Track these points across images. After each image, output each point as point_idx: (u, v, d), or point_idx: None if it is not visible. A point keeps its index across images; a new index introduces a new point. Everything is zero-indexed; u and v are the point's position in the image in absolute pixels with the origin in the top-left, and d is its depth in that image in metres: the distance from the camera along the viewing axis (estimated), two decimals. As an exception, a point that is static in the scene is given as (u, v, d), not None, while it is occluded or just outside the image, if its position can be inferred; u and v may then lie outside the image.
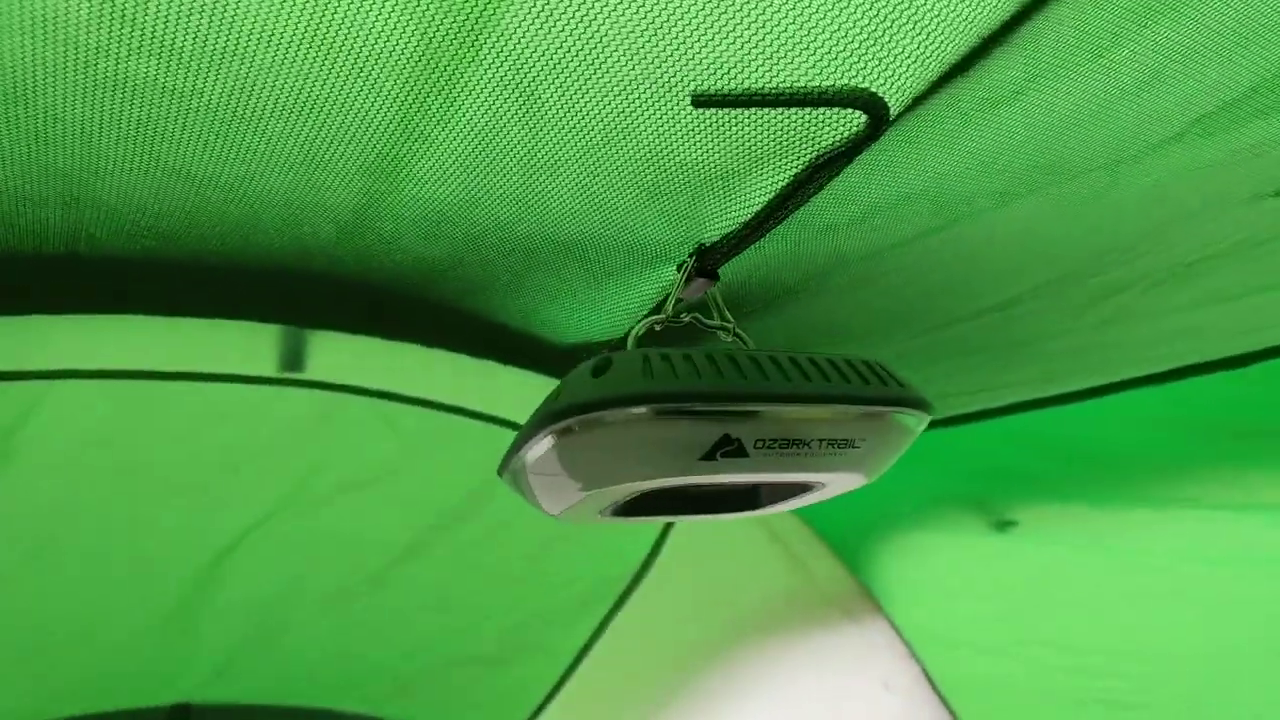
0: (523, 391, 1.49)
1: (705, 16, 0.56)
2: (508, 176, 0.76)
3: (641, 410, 0.66)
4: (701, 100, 0.62)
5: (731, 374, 0.67)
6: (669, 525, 1.64)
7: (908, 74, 0.60)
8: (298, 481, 1.43)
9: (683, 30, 0.57)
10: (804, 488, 0.79)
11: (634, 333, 0.81)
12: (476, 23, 0.58)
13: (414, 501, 1.50)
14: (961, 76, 0.63)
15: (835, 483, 0.77)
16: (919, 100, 0.63)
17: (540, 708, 1.65)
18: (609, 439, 0.67)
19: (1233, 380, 1.13)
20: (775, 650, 1.72)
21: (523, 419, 1.51)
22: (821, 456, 0.70)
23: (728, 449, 0.67)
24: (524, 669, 1.64)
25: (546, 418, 0.68)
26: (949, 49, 0.60)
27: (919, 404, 0.73)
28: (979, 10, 0.57)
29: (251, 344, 1.35)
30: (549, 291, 1.05)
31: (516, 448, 0.73)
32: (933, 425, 1.42)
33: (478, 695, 1.65)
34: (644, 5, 0.56)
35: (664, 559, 1.64)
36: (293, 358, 1.38)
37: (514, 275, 1.01)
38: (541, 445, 0.69)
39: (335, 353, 1.38)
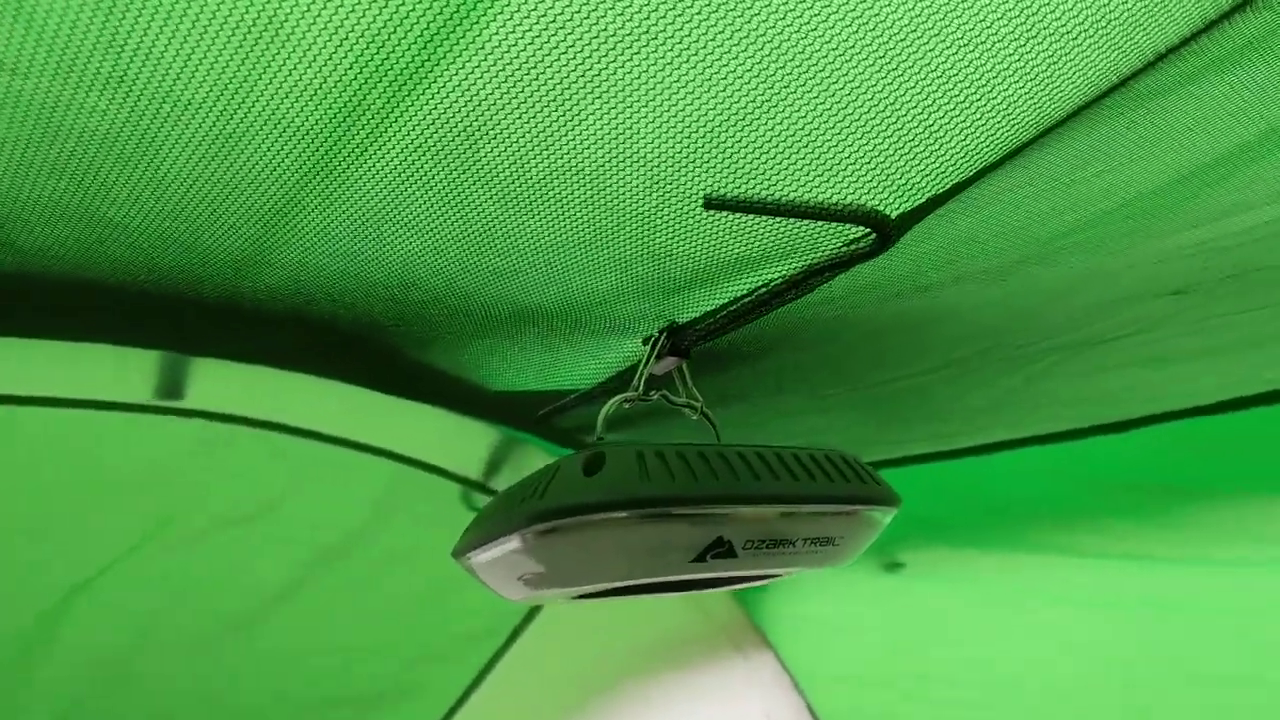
0: (423, 427, 1.44)
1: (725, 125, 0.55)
2: (452, 243, 0.73)
3: (637, 515, 0.64)
4: (714, 203, 0.61)
5: (726, 476, 0.66)
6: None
7: (918, 196, 0.61)
8: (166, 517, 1.33)
9: (700, 135, 0.56)
10: (776, 575, 0.79)
11: (605, 412, 0.79)
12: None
13: (294, 538, 1.42)
14: (956, 201, 0.65)
15: (808, 570, 0.78)
16: (918, 222, 0.64)
17: (419, 748, 1.59)
18: (601, 541, 0.65)
19: (1115, 443, 1.21)
20: (665, 684, 1.72)
21: (422, 454, 1.47)
22: (802, 553, 0.71)
23: (719, 550, 0.67)
24: (403, 710, 1.58)
25: (534, 515, 0.64)
26: (954, 177, 0.61)
27: (893, 500, 0.74)
28: (986, 145, 0.58)
29: (124, 369, 1.24)
30: (497, 350, 1.01)
31: (488, 536, 0.70)
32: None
33: (349, 738, 1.58)
34: (664, 113, 0.54)
35: (556, 596, 1.62)
36: (172, 385, 1.28)
37: (458, 333, 0.96)
38: (524, 542, 0.66)
39: (221, 381, 1.28)
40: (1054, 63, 0.54)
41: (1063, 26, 0.51)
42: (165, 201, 0.70)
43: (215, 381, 1.28)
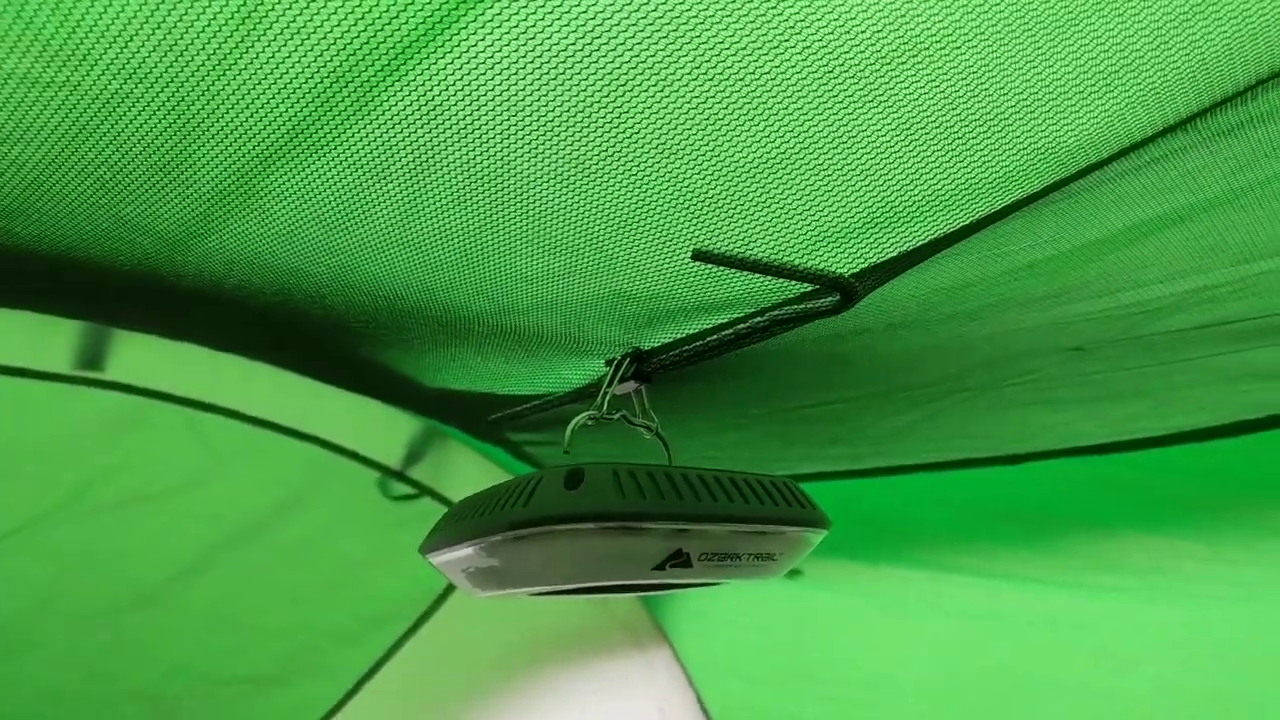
0: (346, 413, 1.45)
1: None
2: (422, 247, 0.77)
3: (612, 526, 0.70)
4: (701, 255, 0.67)
5: (689, 496, 0.72)
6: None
7: (878, 262, 0.69)
8: (75, 489, 1.31)
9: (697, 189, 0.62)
10: (712, 584, 0.86)
11: (572, 427, 0.84)
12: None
13: (207, 516, 1.41)
14: (915, 270, 0.73)
15: (741, 582, 0.85)
16: (877, 287, 0.72)
17: (315, 728, 1.61)
18: (577, 547, 0.70)
19: (1003, 474, 1.32)
20: (565, 676, 1.77)
21: (343, 440, 1.48)
22: (745, 566, 0.77)
23: (678, 561, 0.73)
24: (302, 689, 1.59)
25: (518, 522, 0.70)
26: (909, 245, 0.68)
27: (826, 524, 0.82)
28: (938, 224, 0.66)
29: (44, 337, 1.22)
30: (454, 357, 1.04)
31: (464, 536, 0.74)
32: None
33: (246, 716, 1.58)
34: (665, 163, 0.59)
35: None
36: (92, 356, 1.26)
37: (421, 336, 0.99)
38: (503, 545, 0.71)
39: (144, 356, 1.27)
40: (1006, 155, 0.62)
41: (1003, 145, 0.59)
42: (107, 174, 0.71)
43: (138, 355, 1.27)
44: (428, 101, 0.57)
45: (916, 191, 0.63)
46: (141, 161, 0.69)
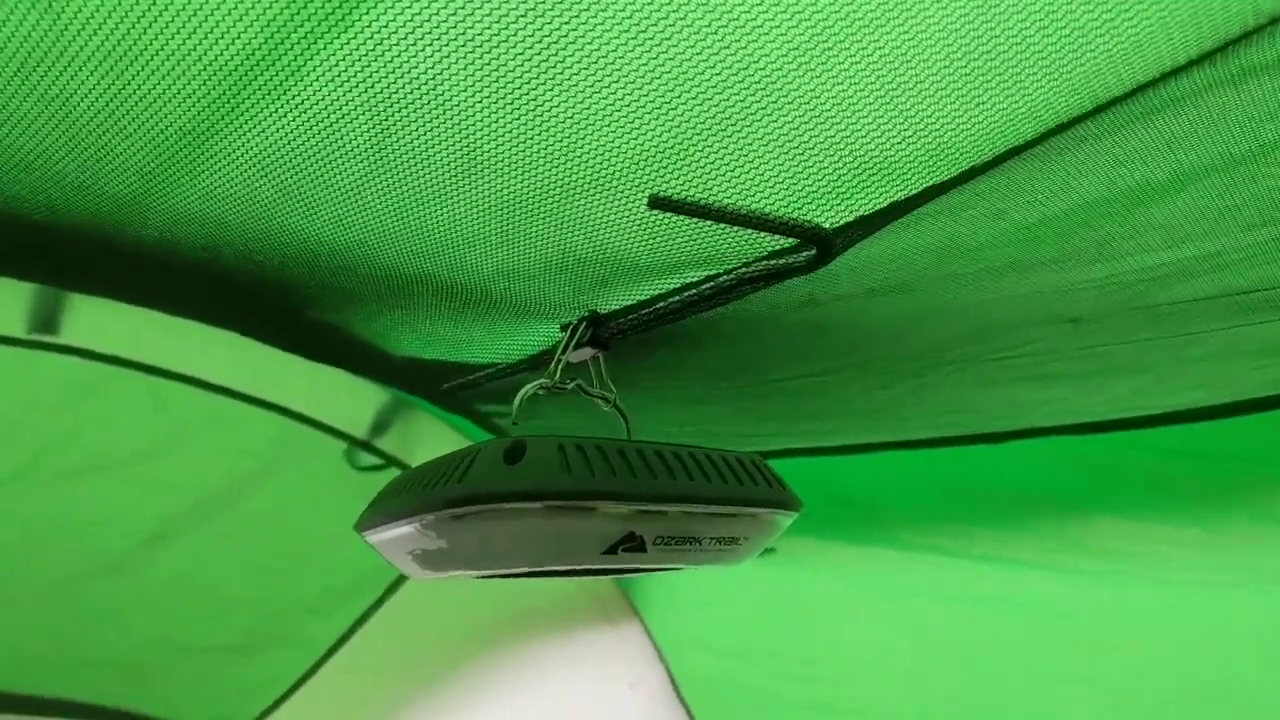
0: (312, 382, 1.41)
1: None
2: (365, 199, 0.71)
3: (555, 507, 0.64)
4: (658, 202, 0.61)
5: (643, 474, 0.67)
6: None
7: (858, 212, 0.63)
8: (34, 455, 1.28)
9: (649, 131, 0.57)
10: (677, 568, 0.81)
11: (520, 397, 0.79)
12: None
13: (171, 485, 1.38)
14: (891, 222, 0.67)
15: (708, 567, 0.80)
16: (857, 241, 0.66)
17: (284, 697, 1.58)
18: (515, 529, 0.65)
19: (986, 453, 1.28)
20: (534, 648, 1.74)
21: (309, 410, 1.43)
22: (707, 551, 0.72)
23: (630, 545, 0.68)
24: (270, 659, 1.56)
25: (451, 500, 0.64)
26: (892, 197, 0.63)
27: (796, 505, 0.77)
28: (924, 172, 0.61)
29: (-7, 299, 1.18)
30: (407, 321, 0.99)
31: (397, 514, 0.69)
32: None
33: (214, 684, 1.55)
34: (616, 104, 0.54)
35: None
36: (46, 319, 1.21)
37: (368, 298, 0.94)
38: (437, 524, 0.66)
39: (102, 320, 1.23)
40: (989, 107, 0.57)
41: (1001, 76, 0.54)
42: (54, 129, 0.67)
43: (94, 319, 1.23)
44: (369, 51, 0.53)
45: (903, 142, 0.58)
46: (77, 121, 0.65)
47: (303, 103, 0.60)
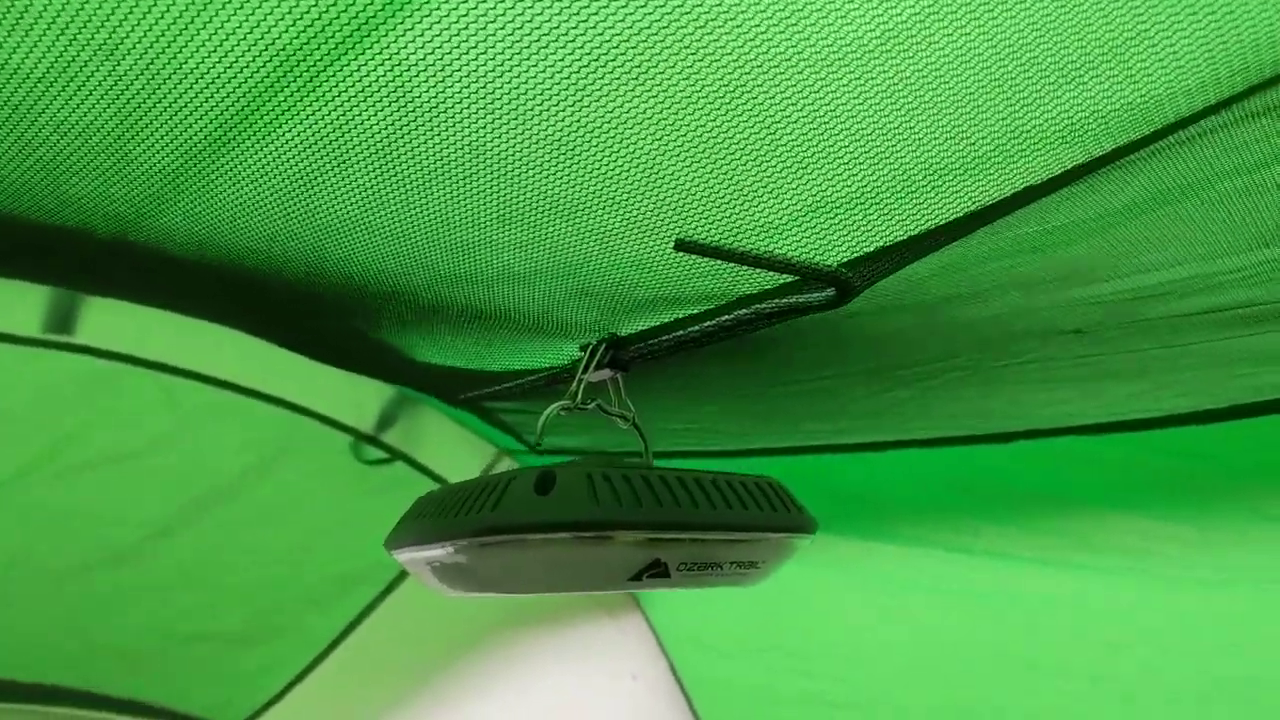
0: (318, 377, 1.42)
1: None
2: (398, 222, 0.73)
3: (585, 536, 0.67)
4: (684, 246, 0.63)
5: (668, 502, 0.69)
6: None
7: (876, 253, 0.65)
8: (48, 450, 1.29)
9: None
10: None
11: (544, 420, 0.81)
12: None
13: (177, 478, 1.39)
14: (908, 257, 0.69)
15: (722, 589, 0.82)
16: (875, 281, 0.69)
17: (287, 688, 1.60)
18: (547, 556, 0.67)
19: (992, 452, 1.30)
20: (537, 641, 1.76)
21: (315, 404, 1.45)
22: (727, 574, 0.75)
23: (655, 571, 0.70)
24: (272, 649, 1.58)
25: (486, 528, 0.67)
26: (910, 232, 0.65)
27: (813, 527, 0.79)
28: (941, 210, 0.63)
29: (13, 301, 1.19)
30: (432, 334, 1.00)
31: (430, 537, 0.71)
32: (718, 456, 1.53)
33: (213, 674, 1.57)
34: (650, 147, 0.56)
35: (440, 550, 1.63)
36: (62, 319, 1.23)
37: (396, 315, 0.95)
38: (469, 550, 0.68)
39: (114, 320, 1.24)
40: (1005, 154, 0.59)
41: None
42: (46, 155, 0.68)
43: (107, 319, 1.24)
44: (391, 73, 0.54)
45: (915, 167, 0.60)
46: (83, 144, 0.66)
47: (327, 114, 0.60)
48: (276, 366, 1.37)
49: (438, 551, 0.70)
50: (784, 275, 0.65)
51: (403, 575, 1.62)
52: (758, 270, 0.65)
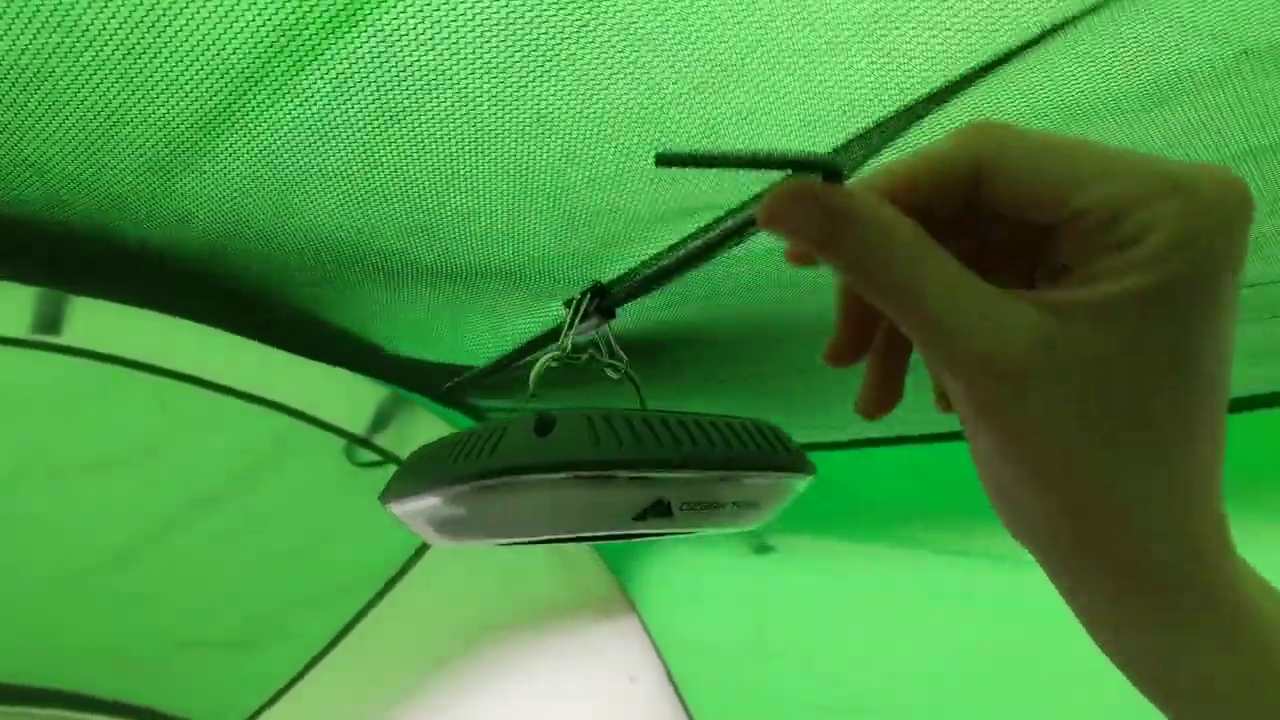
0: (310, 380, 1.42)
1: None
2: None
3: (588, 476, 0.66)
4: (665, 159, 0.63)
5: (669, 442, 0.69)
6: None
7: (867, 132, 0.64)
8: (36, 453, 1.29)
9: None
10: (691, 533, 0.83)
11: (536, 370, 0.80)
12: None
13: (169, 482, 1.39)
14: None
15: (722, 531, 0.82)
16: (868, 160, 0.67)
17: (281, 691, 1.60)
18: (548, 498, 0.67)
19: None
20: (532, 643, 1.76)
21: (307, 407, 1.45)
22: (728, 515, 0.75)
23: (658, 510, 0.70)
24: (269, 653, 1.58)
25: (488, 471, 0.66)
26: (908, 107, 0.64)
27: (812, 469, 0.79)
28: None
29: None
30: (408, 319, 1.00)
31: (428, 485, 0.71)
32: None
33: (209, 678, 1.57)
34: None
35: (435, 552, 1.63)
36: (49, 320, 1.23)
37: (367, 292, 0.95)
38: (471, 494, 0.68)
39: (102, 321, 1.24)
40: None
41: None
42: (59, 126, 0.67)
43: (96, 321, 1.25)
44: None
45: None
46: (83, 117, 0.65)
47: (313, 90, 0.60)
48: (268, 370, 1.38)
49: (436, 499, 0.70)
50: (770, 173, 0.64)
51: (398, 578, 1.62)
52: (741, 174, 0.64)
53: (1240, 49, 0.57)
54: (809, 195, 0.32)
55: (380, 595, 1.62)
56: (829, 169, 0.34)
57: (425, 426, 1.55)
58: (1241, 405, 1.13)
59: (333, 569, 1.57)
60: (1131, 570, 0.29)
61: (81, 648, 1.47)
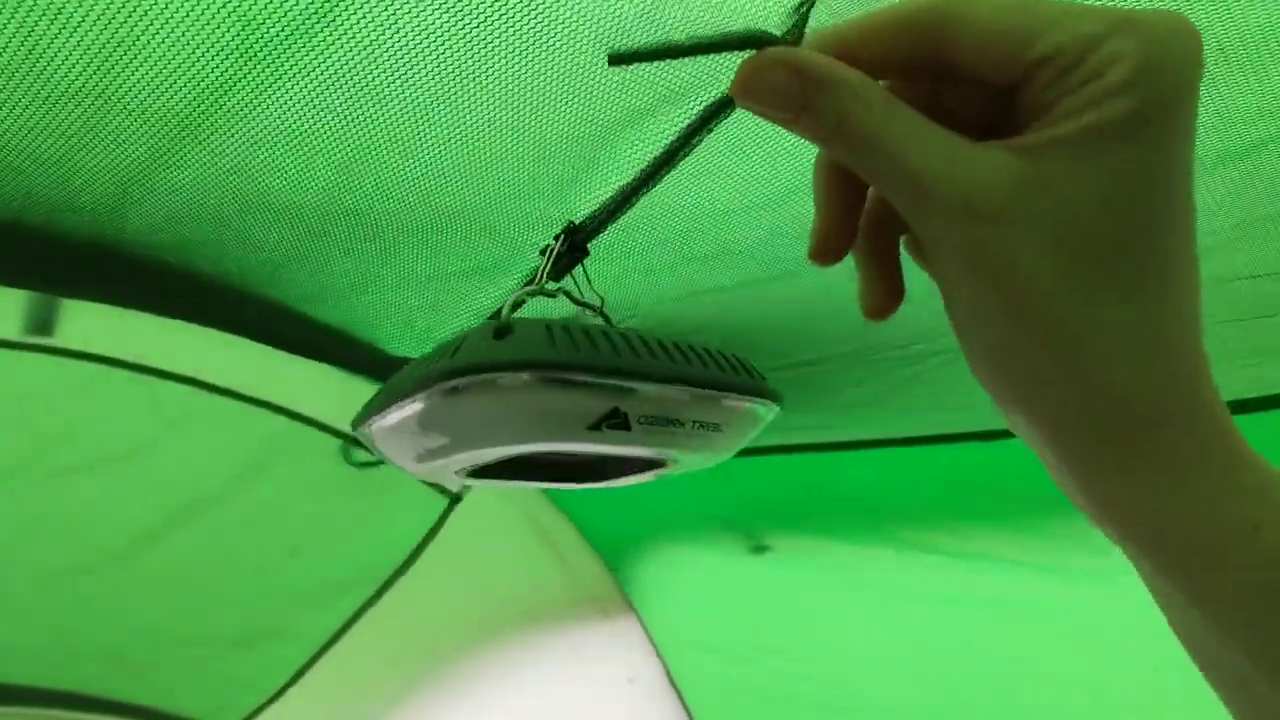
0: (306, 380, 1.42)
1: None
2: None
3: (543, 377, 0.66)
4: (617, 59, 0.63)
5: (626, 352, 0.69)
6: (440, 519, 1.63)
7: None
8: (29, 453, 1.29)
9: None
10: (658, 465, 0.81)
11: (510, 301, 0.80)
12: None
13: (165, 482, 1.39)
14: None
15: (688, 462, 0.81)
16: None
17: (281, 690, 1.60)
18: (504, 402, 0.67)
19: (981, 450, 1.28)
20: (530, 643, 1.76)
21: (304, 408, 1.45)
22: (689, 436, 0.74)
23: (614, 421, 0.69)
24: (267, 652, 1.58)
25: (442, 374, 0.66)
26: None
27: (776, 398, 0.78)
28: None
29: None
30: (395, 309, 1.00)
31: (390, 401, 0.71)
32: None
33: (209, 676, 1.58)
34: None
35: (432, 552, 1.63)
36: (41, 322, 1.23)
37: (352, 278, 0.95)
38: (430, 402, 0.68)
39: (95, 322, 1.24)
40: None
41: None
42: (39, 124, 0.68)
43: (88, 322, 1.24)
44: None
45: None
46: (61, 116, 0.66)
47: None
48: (263, 369, 1.37)
49: (397, 413, 0.70)
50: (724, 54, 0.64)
51: (395, 578, 1.62)
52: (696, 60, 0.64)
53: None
54: (781, 64, 0.32)
55: (378, 595, 1.62)
56: (781, 43, 0.34)
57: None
58: (1241, 407, 1.12)
59: (330, 569, 1.57)
60: (1119, 404, 0.30)
61: (80, 648, 1.47)
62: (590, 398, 0.67)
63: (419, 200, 0.82)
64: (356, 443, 1.50)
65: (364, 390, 1.49)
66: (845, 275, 0.82)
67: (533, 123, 0.72)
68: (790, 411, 1.32)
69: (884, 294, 0.39)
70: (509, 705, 1.74)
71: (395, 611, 1.63)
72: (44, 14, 0.53)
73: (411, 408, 0.68)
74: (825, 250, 0.37)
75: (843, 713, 1.61)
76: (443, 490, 1.64)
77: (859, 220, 0.37)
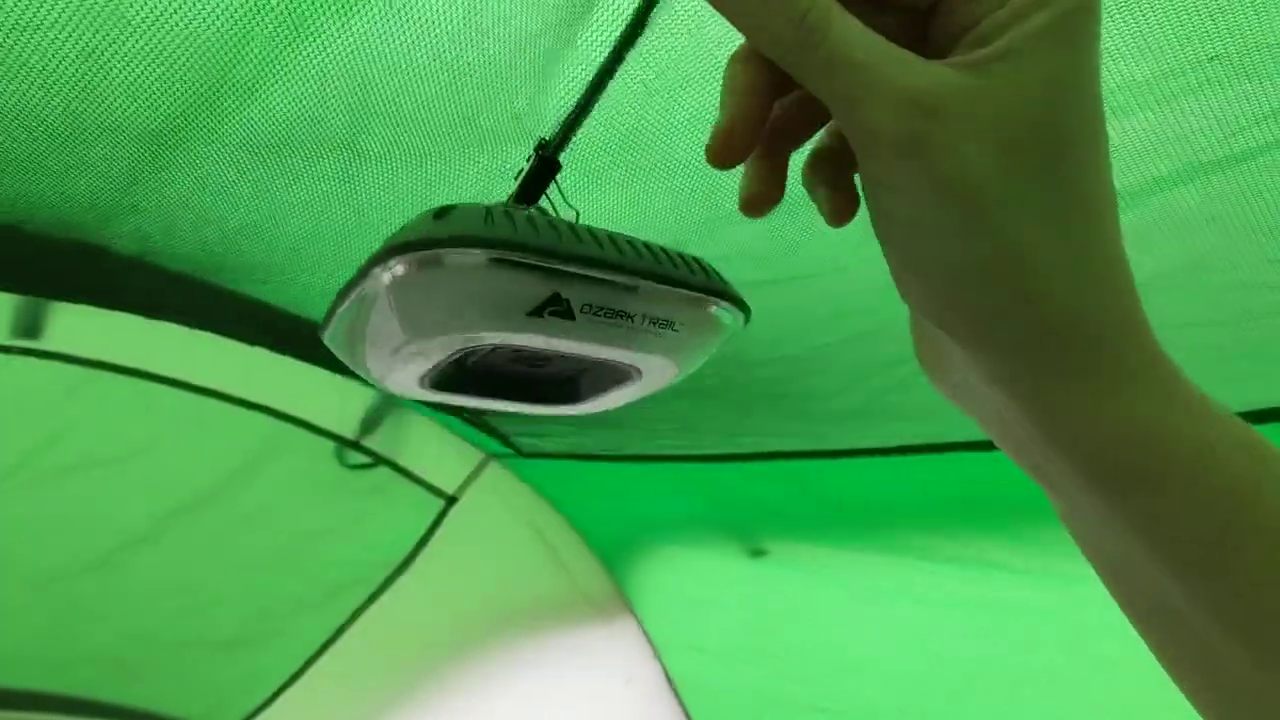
0: (299, 383, 1.41)
1: None
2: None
3: (478, 254, 0.65)
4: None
5: (569, 237, 0.67)
6: (436, 521, 1.63)
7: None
8: (22, 456, 1.29)
9: None
10: (622, 377, 0.79)
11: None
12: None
13: (158, 485, 1.39)
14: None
15: (651, 371, 0.78)
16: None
17: (277, 692, 1.60)
18: (442, 282, 0.66)
19: (978, 459, 1.26)
20: (529, 644, 1.75)
21: (297, 410, 1.44)
22: (641, 333, 0.72)
23: (556, 309, 0.68)
24: (262, 654, 1.58)
25: (382, 254, 0.66)
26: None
27: (738, 302, 0.75)
28: None
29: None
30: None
31: (344, 295, 0.71)
32: (706, 460, 1.50)
33: (205, 678, 1.57)
34: None
35: (429, 553, 1.62)
36: (29, 326, 1.23)
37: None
38: (373, 285, 0.67)
39: (84, 326, 1.23)
40: None
41: None
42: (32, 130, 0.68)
43: (76, 325, 1.23)
44: None
45: None
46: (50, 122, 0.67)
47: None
48: (256, 372, 1.36)
49: (343, 305, 0.69)
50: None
51: (392, 579, 1.62)
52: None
53: None
54: None
55: (374, 597, 1.61)
56: None
57: (416, 430, 1.54)
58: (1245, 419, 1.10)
59: (325, 571, 1.56)
60: (1064, 315, 0.30)
61: (76, 651, 1.47)
62: (528, 280, 0.65)
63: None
64: (351, 445, 1.49)
65: (358, 393, 1.48)
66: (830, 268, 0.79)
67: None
68: (781, 417, 1.31)
69: (767, 197, 0.38)
70: (508, 707, 1.73)
71: (392, 613, 1.62)
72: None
73: (354, 295, 0.68)
74: (727, 149, 0.36)
75: (838, 715, 1.60)
76: (438, 492, 1.64)
77: (764, 120, 0.36)
